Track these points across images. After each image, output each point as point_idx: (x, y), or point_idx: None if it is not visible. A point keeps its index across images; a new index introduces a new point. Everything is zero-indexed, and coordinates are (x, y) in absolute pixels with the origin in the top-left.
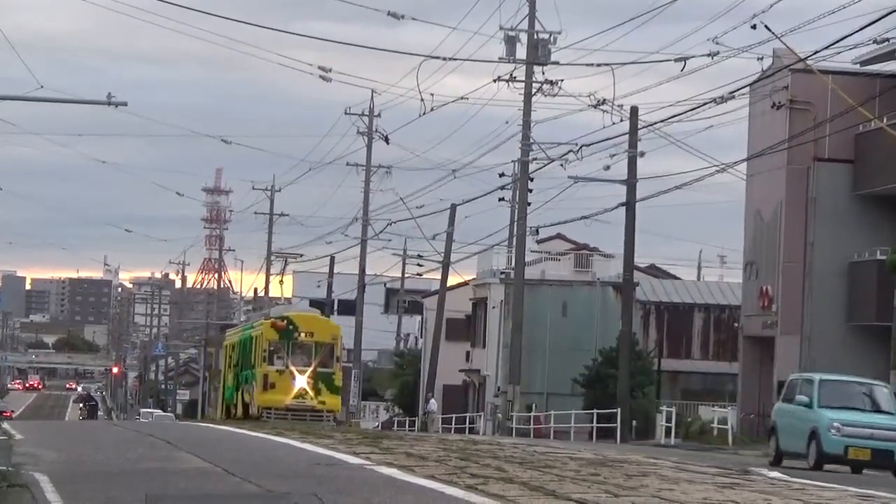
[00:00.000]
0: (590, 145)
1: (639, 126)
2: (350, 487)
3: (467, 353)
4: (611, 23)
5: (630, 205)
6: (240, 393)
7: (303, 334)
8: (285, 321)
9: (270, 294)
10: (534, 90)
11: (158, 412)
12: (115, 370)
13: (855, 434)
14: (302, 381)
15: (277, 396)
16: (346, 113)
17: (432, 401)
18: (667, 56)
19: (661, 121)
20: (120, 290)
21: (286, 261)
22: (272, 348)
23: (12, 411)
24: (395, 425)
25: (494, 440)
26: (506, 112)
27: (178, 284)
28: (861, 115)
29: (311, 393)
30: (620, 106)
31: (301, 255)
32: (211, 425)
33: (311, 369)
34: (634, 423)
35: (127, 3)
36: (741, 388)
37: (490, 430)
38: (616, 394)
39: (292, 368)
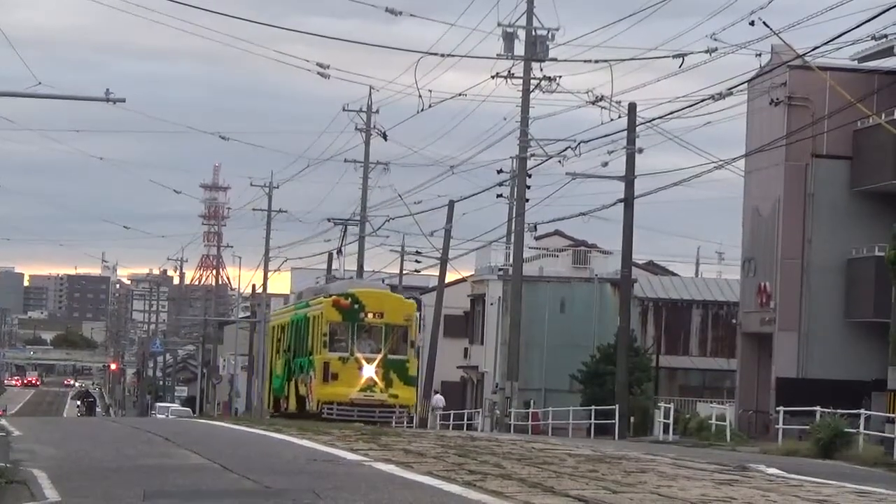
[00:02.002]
0: (588, 142)
1: (637, 122)
2: (348, 484)
3: (465, 350)
4: (609, 19)
5: (628, 201)
6: (293, 384)
7: (371, 315)
8: (350, 299)
9: (269, 291)
10: (532, 87)
11: (175, 406)
12: (113, 367)
13: None
14: (370, 371)
15: (340, 389)
16: (344, 109)
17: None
18: (665, 52)
19: (660, 117)
20: (118, 286)
21: (345, 228)
22: (334, 331)
23: (4, 410)
24: (394, 423)
25: (492, 437)
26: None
27: (176, 281)
28: (859, 111)
29: (380, 384)
30: (618, 102)
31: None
32: (223, 424)
33: (380, 356)
34: (632, 419)
35: (125, 0)
36: (739, 384)
37: (488, 427)
38: (614, 390)
39: (358, 355)
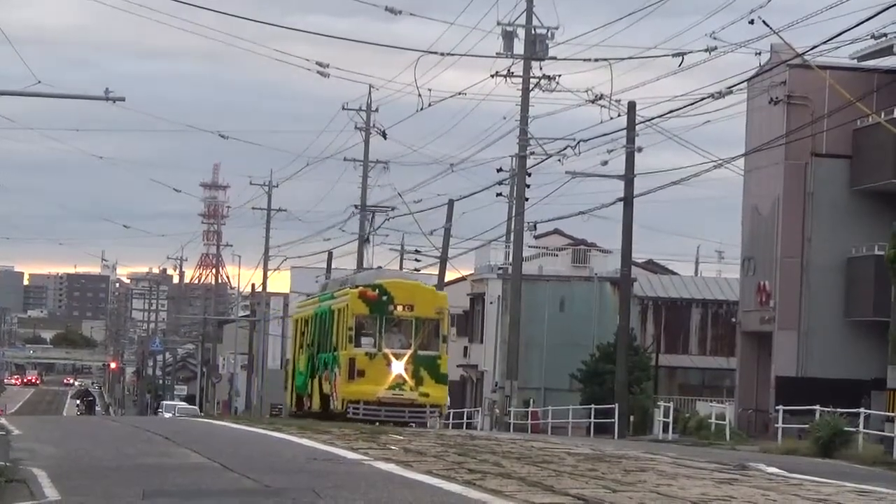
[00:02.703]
0: (587, 140)
1: (636, 121)
2: (348, 482)
3: (465, 349)
4: (608, 18)
5: (628, 200)
6: (316, 381)
7: (400, 307)
8: (377, 290)
9: (268, 290)
10: (531, 85)
11: (182, 405)
12: (112, 365)
13: None
14: (399, 368)
15: (367, 387)
16: (343, 108)
17: None
18: (664, 51)
19: (659, 116)
20: (118, 285)
21: (373, 214)
22: (361, 325)
23: (3, 409)
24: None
25: (492, 435)
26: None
27: (175, 280)
28: (859, 110)
29: (410, 382)
30: (618, 101)
31: (392, 209)
32: (223, 423)
33: (410, 352)
34: (632, 418)
35: None
36: (739, 383)
37: (488, 426)
38: (614, 389)
39: (387, 351)
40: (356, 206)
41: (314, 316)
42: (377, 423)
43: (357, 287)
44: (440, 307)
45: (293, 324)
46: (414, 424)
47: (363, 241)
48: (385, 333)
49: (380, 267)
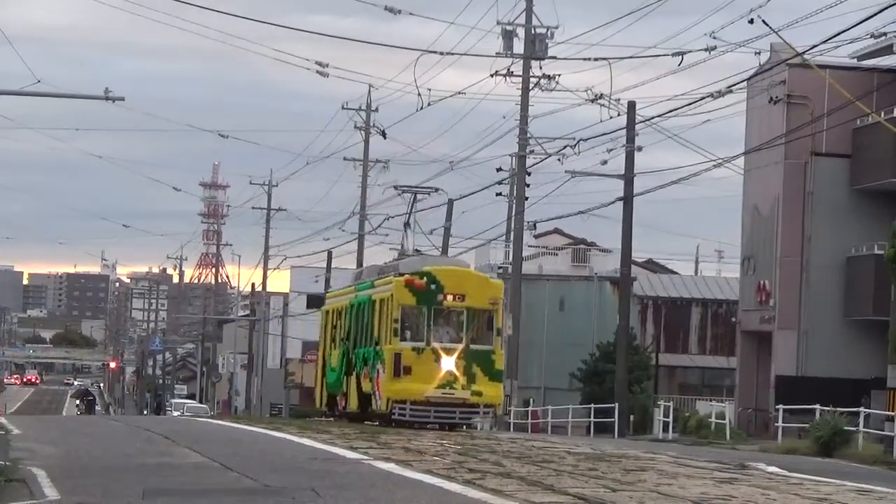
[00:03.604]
0: (587, 140)
1: (636, 121)
2: (347, 482)
3: None
4: (608, 17)
5: (628, 199)
6: (353, 378)
7: (450, 297)
8: (425, 278)
9: (268, 289)
10: (531, 85)
11: (191, 403)
12: (112, 365)
13: None
14: (449, 364)
15: (414, 385)
16: (343, 108)
17: None
18: (664, 51)
19: (659, 115)
20: (117, 284)
21: (414, 196)
22: (406, 317)
23: (1, 410)
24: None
25: (492, 435)
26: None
27: (175, 279)
28: (858, 109)
29: (461, 380)
30: (618, 100)
31: (436, 190)
32: (222, 422)
33: (461, 347)
34: (632, 417)
35: None
36: (739, 382)
37: (487, 425)
38: (613, 388)
39: (435, 345)
40: (395, 188)
41: (350, 307)
42: (425, 426)
43: (402, 275)
44: (494, 297)
45: (323, 316)
46: (465, 426)
47: (405, 225)
48: (434, 326)
49: (418, 251)
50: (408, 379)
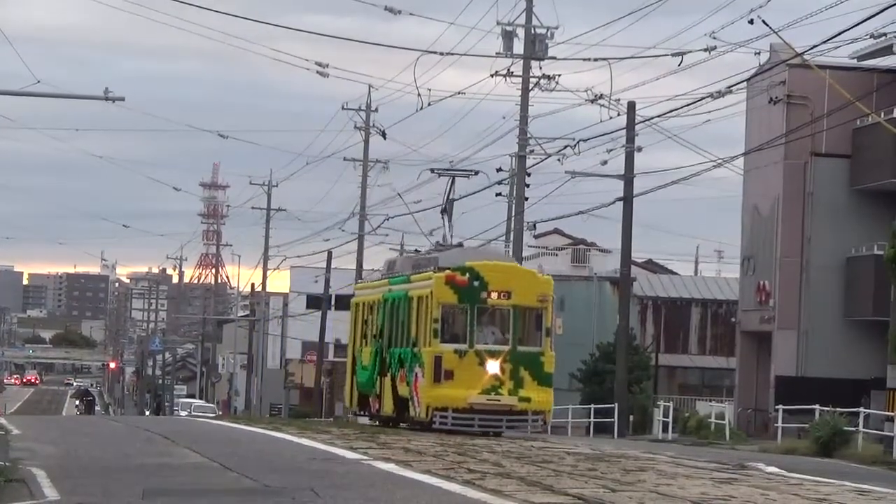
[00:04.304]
0: (587, 140)
1: (636, 121)
2: (347, 482)
3: None
4: (608, 17)
5: (627, 200)
6: (387, 380)
7: (495, 294)
8: (468, 274)
9: (268, 289)
10: (531, 85)
11: (198, 402)
12: (112, 365)
13: None
14: (494, 367)
15: (456, 391)
16: (343, 108)
17: None
18: (664, 51)
19: (659, 116)
20: (117, 285)
21: (453, 180)
22: (448, 316)
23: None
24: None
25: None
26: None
27: (175, 279)
28: (858, 109)
29: (507, 384)
30: (618, 100)
31: (475, 173)
32: (222, 422)
33: (507, 349)
34: (632, 418)
35: None
36: (738, 383)
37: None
38: (613, 389)
39: (479, 347)
40: (432, 170)
41: (383, 302)
42: (471, 433)
43: (442, 269)
44: (543, 294)
45: (353, 309)
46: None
47: (443, 211)
48: (477, 326)
49: (460, 244)
50: (449, 384)
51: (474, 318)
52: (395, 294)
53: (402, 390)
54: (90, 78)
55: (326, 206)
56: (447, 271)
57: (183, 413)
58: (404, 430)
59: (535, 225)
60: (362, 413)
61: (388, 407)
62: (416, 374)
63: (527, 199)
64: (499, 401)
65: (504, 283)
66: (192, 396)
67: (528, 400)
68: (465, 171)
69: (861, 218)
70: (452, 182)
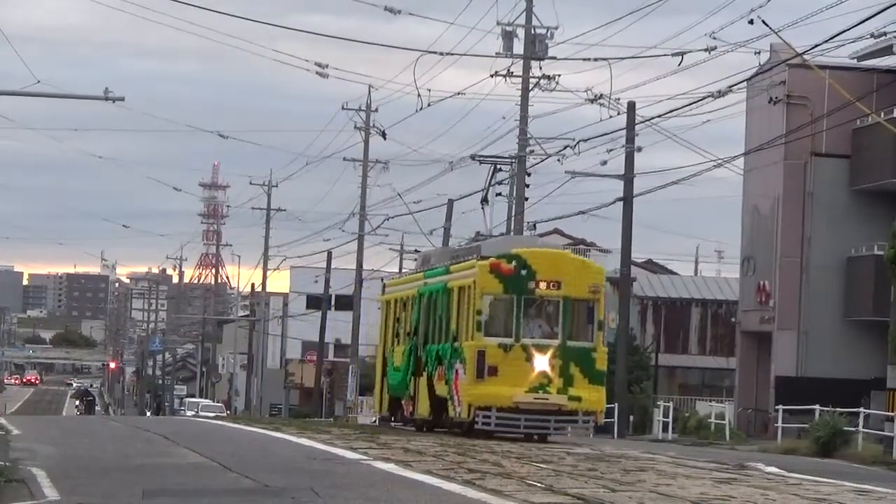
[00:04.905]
0: (587, 140)
1: (636, 121)
2: (347, 482)
3: None
4: (608, 17)
5: (627, 200)
6: (423, 380)
7: (544, 284)
8: (514, 262)
9: (268, 289)
10: (531, 85)
11: (206, 402)
12: (112, 365)
13: None
14: (542, 364)
15: (501, 388)
16: (343, 108)
17: None
18: (664, 51)
19: (659, 116)
20: (117, 285)
21: (494, 167)
22: (492, 308)
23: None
24: (393, 421)
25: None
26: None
27: (175, 279)
28: (858, 109)
29: (556, 382)
30: (618, 100)
31: (518, 159)
32: (222, 422)
33: (556, 343)
34: (632, 418)
35: None
36: (738, 383)
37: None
38: (613, 388)
39: (526, 342)
40: (473, 157)
41: (418, 297)
42: (516, 435)
43: (485, 258)
44: (595, 284)
45: (383, 306)
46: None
47: (483, 200)
48: (524, 319)
49: (502, 233)
50: (493, 381)
51: (521, 309)
52: (432, 287)
53: (440, 389)
54: (90, 78)
55: (326, 206)
56: (491, 259)
57: (189, 413)
58: (441, 433)
59: (535, 225)
60: (394, 418)
61: (423, 409)
62: (457, 371)
63: (527, 199)
64: (547, 399)
65: (554, 272)
66: (193, 396)
67: (578, 399)
68: (507, 158)
69: (861, 218)
70: (494, 170)
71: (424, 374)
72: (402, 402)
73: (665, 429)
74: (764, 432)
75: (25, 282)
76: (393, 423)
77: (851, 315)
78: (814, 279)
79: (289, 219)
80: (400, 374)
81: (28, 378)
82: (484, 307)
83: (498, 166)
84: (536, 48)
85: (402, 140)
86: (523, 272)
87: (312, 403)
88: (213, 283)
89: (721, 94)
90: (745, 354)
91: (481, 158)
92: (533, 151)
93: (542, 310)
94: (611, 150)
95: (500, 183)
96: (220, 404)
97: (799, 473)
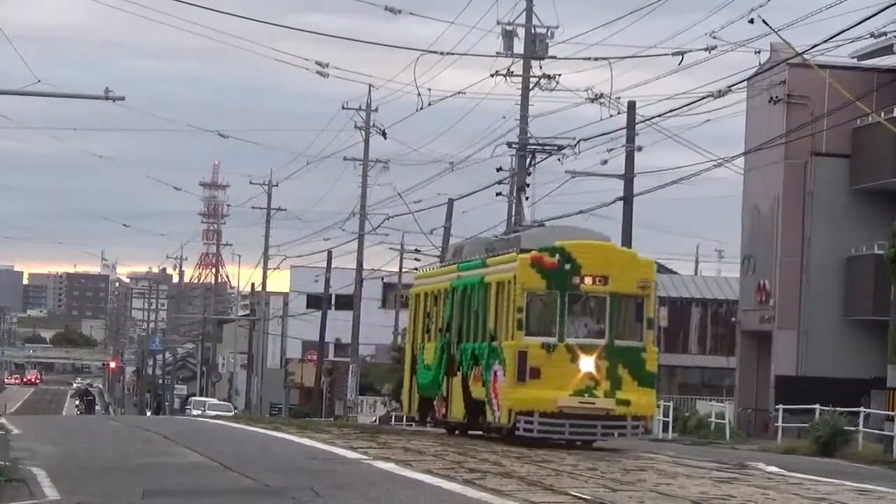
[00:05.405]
0: (587, 139)
1: (636, 120)
2: (347, 482)
3: None
4: (608, 17)
5: (628, 199)
6: (457, 381)
7: (589, 279)
8: (557, 255)
9: (268, 289)
10: (531, 84)
11: (213, 401)
12: (112, 365)
13: None
14: (589, 365)
15: (544, 392)
16: (343, 107)
17: None
18: (664, 50)
19: (659, 115)
20: (117, 284)
21: (534, 154)
22: (534, 304)
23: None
24: (393, 420)
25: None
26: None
27: (175, 279)
28: (858, 109)
29: (604, 385)
30: (618, 99)
31: (559, 148)
32: (222, 422)
33: (603, 343)
34: None
35: None
36: (738, 382)
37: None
38: None
39: (571, 341)
40: (508, 144)
41: (451, 291)
42: (561, 441)
43: (525, 251)
44: (645, 279)
45: (412, 301)
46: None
47: (520, 189)
48: (569, 317)
49: (541, 223)
50: (536, 384)
51: (565, 306)
52: (466, 281)
53: (477, 392)
54: (90, 78)
55: (327, 206)
56: (532, 252)
57: (195, 412)
58: (479, 437)
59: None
60: (424, 419)
61: (457, 411)
62: (496, 373)
63: (527, 198)
64: (593, 403)
65: (600, 266)
66: (197, 395)
67: (626, 403)
68: (547, 145)
69: (861, 218)
70: (532, 157)
71: (459, 374)
72: (434, 402)
73: (665, 428)
74: (764, 432)
75: (25, 281)
76: (422, 421)
77: (851, 314)
78: (814, 279)
79: (289, 218)
80: (431, 373)
81: (28, 378)
82: (525, 304)
83: (535, 153)
84: (536, 48)
85: (403, 139)
86: (567, 266)
87: (312, 403)
88: (213, 282)
89: (721, 93)
90: (745, 354)
91: (518, 145)
92: (533, 151)
93: (588, 307)
94: (611, 149)
95: (500, 182)
96: (227, 403)
97: (799, 473)
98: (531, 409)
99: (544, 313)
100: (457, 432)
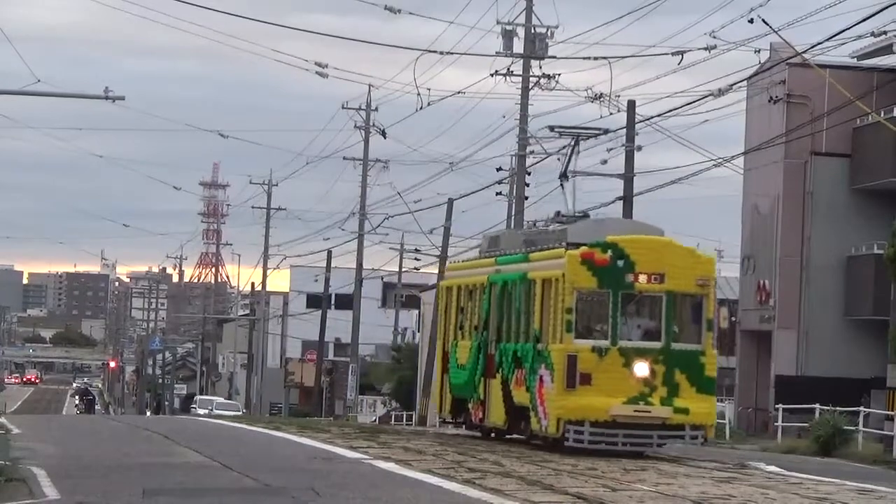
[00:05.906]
0: (587, 139)
1: (636, 120)
2: (347, 481)
3: None
4: (608, 16)
5: (627, 199)
6: (496, 383)
7: (644, 277)
8: (609, 252)
9: (268, 288)
10: (531, 84)
11: (219, 400)
12: (112, 364)
13: None
14: (644, 370)
15: (596, 400)
16: (343, 107)
17: None
18: (664, 50)
19: (659, 115)
20: (117, 284)
21: (577, 141)
22: (584, 304)
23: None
24: (393, 419)
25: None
26: (503, 106)
27: (175, 279)
28: (858, 109)
29: (660, 392)
30: (618, 97)
31: (605, 132)
32: (222, 422)
33: (659, 346)
34: None
35: None
36: (738, 382)
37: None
38: None
39: (625, 345)
40: (552, 128)
41: (488, 286)
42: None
43: (574, 245)
44: (704, 276)
45: (443, 294)
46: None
47: (562, 176)
48: (622, 318)
49: (584, 213)
50: (586, 391)
51: (618, 307)
52: (506, 276)
53: (520, 397)
54: (91, 77)
55: (326, 206)
56: (582, 248)
57: (202, 412)
58: (523, 443)
59: (535, 224)
60: (459, 422)
61: (496, 416)
62: (541, 378)
63: (527, 198)
64: (649, 412)
65: (655, 264)
66: (194, 395)
67: (685, 411)
68: (591, 129)
69: (861, 217)
70: (576, 143)
71: (498, 376)
72: (469, 405)
73: None
74: (764, 431)
75: (25, 281)
76: (453, 423)
77: (851, 314)
78: (814, 278)
79: (289, 218)
80: (466, 374)
81: (28, 377)
82: (574, 304)
83: (580, 139)
84: (536, 47)
85: (403, 139)
86: (620, 263)
87: (312, 402)
88: (213, 282)
89: (721, 92)
90: (744, 354)
91: (561, 129)
92: (533, 151)
93: (643, 307)
94: (611, 149)
95: (500, 182)
96: (234, 402)
97: (799, 473)
98: (582, 418)
99: (595, 314)
100: (493, 435)
